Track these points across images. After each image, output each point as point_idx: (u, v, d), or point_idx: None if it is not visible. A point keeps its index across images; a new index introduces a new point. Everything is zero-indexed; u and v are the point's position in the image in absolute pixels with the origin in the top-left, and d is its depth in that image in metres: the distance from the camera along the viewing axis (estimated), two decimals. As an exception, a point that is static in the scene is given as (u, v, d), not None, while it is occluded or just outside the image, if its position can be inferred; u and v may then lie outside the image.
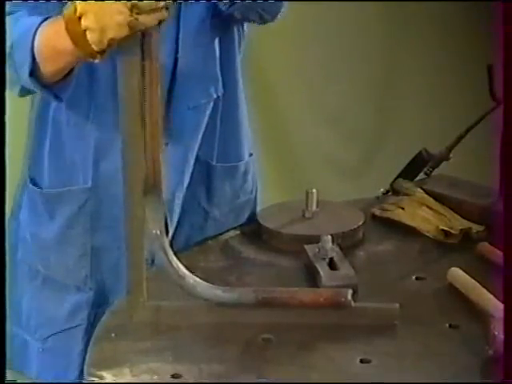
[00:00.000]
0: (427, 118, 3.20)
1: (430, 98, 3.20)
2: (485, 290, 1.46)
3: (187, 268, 1.44)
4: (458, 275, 1.53)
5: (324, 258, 1.59)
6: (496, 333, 1.29)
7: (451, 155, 1.99)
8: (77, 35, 1.37)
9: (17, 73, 1.49)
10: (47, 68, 1.47)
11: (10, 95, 1.72)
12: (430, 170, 1.99)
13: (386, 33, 3.13)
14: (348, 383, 1.29)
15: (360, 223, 1.77)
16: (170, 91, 1.65)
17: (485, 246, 1.65)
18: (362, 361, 1.33)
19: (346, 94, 3.10)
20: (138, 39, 1.35)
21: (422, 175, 2.01)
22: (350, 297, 1.40)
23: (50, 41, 1.44)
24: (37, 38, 1.45)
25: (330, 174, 3.09)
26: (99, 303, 1.70)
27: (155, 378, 1.29)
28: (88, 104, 1.64)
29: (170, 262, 1.42)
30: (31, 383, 1.80)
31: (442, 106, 3.19)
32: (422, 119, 3.20)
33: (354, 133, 3.17)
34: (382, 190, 1.96)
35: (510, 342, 1.13)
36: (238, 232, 1.81)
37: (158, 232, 1.40)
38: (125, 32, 1.33)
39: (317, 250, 1.60)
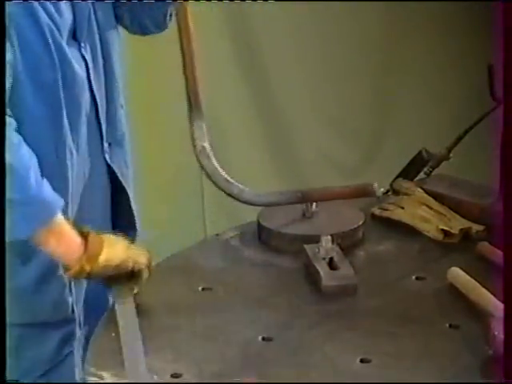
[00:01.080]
0: (427, 118, 3.20)
1: (429, 98, 3.20)
2: (485, 290, 1.46)
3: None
4: (458, 275, 1.53)
5: (324, 258, 1.59)
6: (496, 333, 1.29)
7: (451, 155, 1.99)
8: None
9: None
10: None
11: None
12: (430, 169, 1.99)
13: (386, 33, 3.13)
14: (348, 383, 1.29)
15: (360, 223, 1.77)
16: (107, 94, 1.69)
17: (485, 246, 1.65)
18: (362, 360, 1.33)
19: (346, 94, 3.10)
20: None
21: (421, 175, 2.01)
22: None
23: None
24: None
25: (329, 173, 3.09)
26: (86, 323, 1.65)
27: (155, 378, 1.29)
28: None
29: (218, 170, 1.66)
30: (32, 383, 1.80)
31: (442, 106, 3.19)
32: (421, 119, 3.20)
33: (354, 133, 3.17)
34: (381, 189, 1.96)
35: (510, 341, 1.12)
36: (237, 232, 1.81)
37: (205, 145, 1.65)
38: None
39: (317, 249, 1.60)
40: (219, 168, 1.68)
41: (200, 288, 1.57)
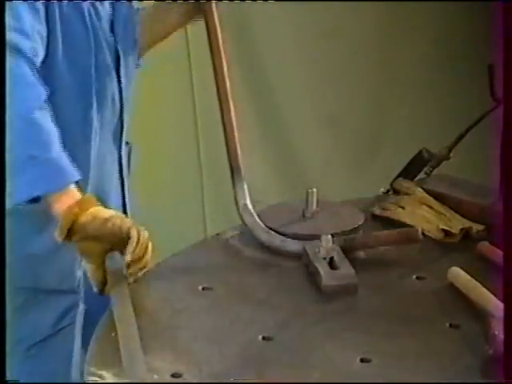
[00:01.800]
0: (427, 117, 3.20)
1: (429, 98, 3.20)
2: (485, 290, 1.46)
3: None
4: (459, 275, 1.53)
5: (324, 258, 1.59)
6: (496, 332, 1.29)
7: (451, 155, 1.99)
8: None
9: None
10: None
11: None
12: (431, 169, 1.99)
13: (386, 33, 3.13)
14: (348, 383, 1.29)
15: (360, 223, 1.77)
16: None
17: (485, 246, 1.65)
18: (362, 360, 1.33)
19: (346, 94, 3.10)
20: None
21: (422, 175, 2.01)
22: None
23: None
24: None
25: (329, 173, 3.09)
26: (88, 299, 1.71)
27: (155, 378, 1.29)
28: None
29: (258, 224, 1.76)
30: (32, 383, 1.80)
31: (442, 106, 3.19)
32: (421, 119, 3.20)
33: (354, 133, 3.17)
34: (382, 189, 1.96)
35: (510, 342, 1.12)
36: (237, 231, 1.81)
37: (247, 203, 1.78)
38: None
39: (317, 249, 1.60)
40: (260, 222, 1.77)
41: (200, 288, 1.57)
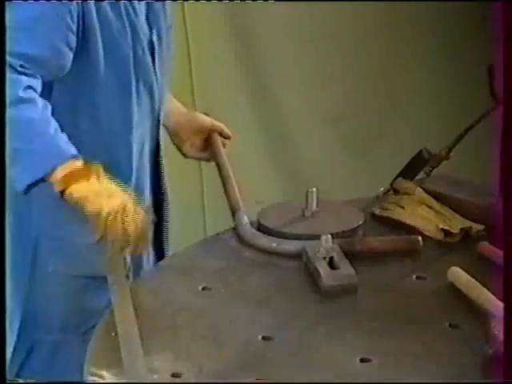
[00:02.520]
0: (427, 117, 3.20)
1: (429, 98, 3.20)
2: (485, 290, 1.46)
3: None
4: (459, 274, 1.53)
5: (324, 257, 1.59)
6: (496, 332, 1.29)
7: (451, 154, 1.99)
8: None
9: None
10: None
11: None
12: (430, 169, 1.99)
13: (386, 33, 3.13)
14: (348, 383, 1.29)
15: (360, 222, 1.77)
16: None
17: (485, 246, 1.65)
18: (362, 360, 1.33)
19: (346, 93, 3.10)
20: None
21: (421, 174, 2.01)
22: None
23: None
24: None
25: (330, 173, 3.09)
26: None
27: (155, 377, 1.29)
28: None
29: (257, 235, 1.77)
30: (32, 383, 1.81)
31: (441, 106, 3.19)
32: (421, 119, 3.20)
33: (354, 132, 3.17)
34: (382, 189, 1.96)
35: (510, 342, 1.12)
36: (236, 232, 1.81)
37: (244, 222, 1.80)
38: None
39: (317, 249, 1.60)
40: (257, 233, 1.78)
41: (200, 288, 1.57)
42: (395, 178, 1.97)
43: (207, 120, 2.05)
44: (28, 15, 1.65)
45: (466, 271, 1.53)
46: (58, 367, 1.86)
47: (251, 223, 1.80)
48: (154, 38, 1.83)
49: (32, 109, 1.63)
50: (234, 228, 1.81)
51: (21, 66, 1.64)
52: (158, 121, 1.89)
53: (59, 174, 1.60)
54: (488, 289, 1.46)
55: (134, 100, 1.79)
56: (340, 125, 3.15)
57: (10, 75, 1.62)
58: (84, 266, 1.81)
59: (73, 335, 1.81)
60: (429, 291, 1.55)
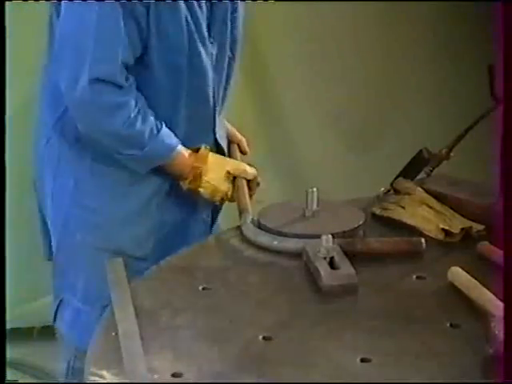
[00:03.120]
0: (427, 117, 3.20)
1: (430, 98, 3.20)
2: (485, 290, 1.46)
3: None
4: (459, 274, 1.53)
5: (324, 257, 1.58)
6: (497, 332, 1.29)
7: (452, 154, 1.99)
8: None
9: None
10: None
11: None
12: (431, 169, 1.99)
13: (385, 32, 3.13)
14: (348, 383, 1.29)
15: (360, 222, 1.77)
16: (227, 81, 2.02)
17: (485, 246, 1.65)
18: (362, 360, 1.33)
19: (346, 93, 3.10)
20: None
21: (422, 174, 2.01)
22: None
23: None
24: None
25: (330, 172, 3.09)
26: None
27: (156, 377, 1.29)
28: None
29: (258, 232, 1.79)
30: (31, 383, 1.82)
31: (442, 106, 3.19)
32: (421, 118, 3.20)
33: (354, 132, 3.17)
34: (382, 189, 1.96)
35: (510, 341, 1.12)
36: (238, 231, 1.81)
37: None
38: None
39: (317, 249, 1.60)
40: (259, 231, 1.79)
41: (200, 287, 1.57)
42: (395, 178, 1.97)
43: (229, 129, 2.12)
44: (86, 27, 1.79)
45: (467, 271, 1.53)
46: (77, 331, 1.94)
47: (252, 222, 1.81)
48: (215, 51, 1.92)
49: (139, 123, 1.85)
50: (235, 228, 1.81)
51: (126, 78, 1.83)
52: (214, 126, 1.99)
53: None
54: (488, 289, 1.45)
55: (183, 102, 1.91)
56: (341, 124, 3.15)
57: (119, 98, 1.83)
58: (110, 240, 1.92)
59: (92, 307, 1.88)
60: (429, 291, 1.55)
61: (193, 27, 1.85)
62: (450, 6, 3.01)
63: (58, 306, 2.02)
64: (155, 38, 1.82)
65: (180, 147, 1.90)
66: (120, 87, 1.82)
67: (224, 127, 2.08)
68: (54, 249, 2.03)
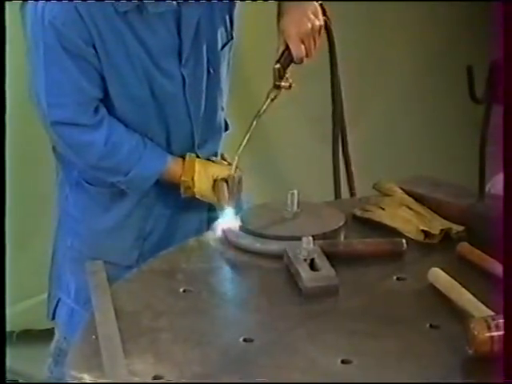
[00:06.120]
0: (410, 120, 3.21)
1: (414, 99, 3.22)
2: (465, 290, 1.47)
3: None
4: (439, 275, 1.54)
5: (305, 259, 1.59)
6: (476, 333, 1.30)
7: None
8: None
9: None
10: None
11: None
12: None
13: (366, 32, 3.14)
14: (328, 383, 1.29)
15: (341, 224, 1.78)
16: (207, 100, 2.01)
17: (465, 246, 1.66)
18: (343, 361, 1.33)
19: (326, 92, 3.10)
20: None
21: (406, 175, 1.99)
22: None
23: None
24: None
25: (314, 173, 3.09)
26: None
27: (136, 380, 1.29)
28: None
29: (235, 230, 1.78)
30: (31, 383, 1.83)
31: (426, 105, 3.20)
32: (401, 119, 3.22)
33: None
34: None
35: (510, 341, 1.12)
36: (219, 233, 1.80)
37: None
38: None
39: (298, 250, 1.60)
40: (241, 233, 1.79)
41: (181, 290, 1.56)
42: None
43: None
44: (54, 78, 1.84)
45: (446, 272, 1.54)
46: (72, 331, 1.93)
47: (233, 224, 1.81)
48: (185, 72, 1.91)
49: (121, 152, 1.90)
50: (216, 230, 1.81)
51: (95, 112, 1.86)
52: (193, 145, 2.00)
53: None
54: (468, 289, 1.46)
55: (154, 128, 1.94)
56: (321, 125, 3.15)
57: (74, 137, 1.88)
58: (95, 249, 1.96)
59: (83, 308, 1.89)
60: (409, 292, 1.55)
61: (146, 58, 1.86)
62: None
63: (56, 305, 2.07)
64: (110, 74, 1.85)
65: (165, 165, 1.94)
66: (84, 126, 1.85)
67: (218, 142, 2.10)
68: (52, 250, 2.09)
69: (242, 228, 1.78)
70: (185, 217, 2.05)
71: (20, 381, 1.84)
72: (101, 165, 1.91)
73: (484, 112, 1.72)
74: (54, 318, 2.10)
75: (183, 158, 1.97)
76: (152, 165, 1.93)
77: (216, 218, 1.88)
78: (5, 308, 1.42)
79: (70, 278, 2.03)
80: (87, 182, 2.00)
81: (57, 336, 2.10)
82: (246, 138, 1.94)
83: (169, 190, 1.98)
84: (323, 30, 2.03)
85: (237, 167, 1.96)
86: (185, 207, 2.03)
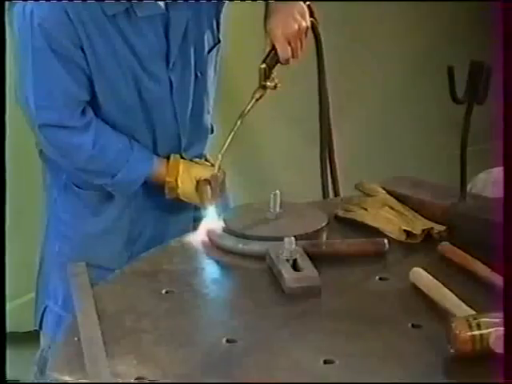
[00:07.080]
0: (394, 118, 3.22)
1: (398, 99, 3.23)
2: (446, 290, 1.48)
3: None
4: (421, 275, 1.55)
5: (287, 260, 1.59)
6: (457, 332, 1.31)
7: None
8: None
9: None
10: None
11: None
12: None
13: (351, 30, 3.15)
14: (310, 383, 1.29)
15: (323, 224, 1.78)
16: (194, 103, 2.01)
17: (446, 246, 1.66)
18: (325, 361, 1.33)
19: (311, 93, 3.10)
20: None
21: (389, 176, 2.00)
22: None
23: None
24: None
25: (297, 174, 3.09)
26: None
27: (119, 381, 1.28)
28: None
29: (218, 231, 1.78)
30: (31, 383, 1.84)
31: (409, 106, 3.21)
32: (387, 120, 3.22)
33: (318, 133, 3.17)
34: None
35: (510, 341, 1.12)
36: (202, 234, 1.80)
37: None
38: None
39: (280, 251, 1.60)
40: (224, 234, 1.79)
41: (164, 291, 1.56)
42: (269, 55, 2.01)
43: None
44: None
45: (428, 272, 1.54)
46: (59, 339, 1.92)
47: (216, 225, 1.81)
48: (173, 76, 1.91)
49: (108, 154, 1.90)
50: (198, 230, 1.81)
51: (83, 115, 1.86)
52: (180, 147, 2.00)
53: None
54: (449, 289, 1.47)
55: (142, 131, 1.94)
56: (304, 125, 3.15)
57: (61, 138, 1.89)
58: (85, 253, 1.93)
59: (66, 314, 1.88)
60: (391, 292, 1.56)
61: (135, 63, 1.87)
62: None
63: (43, 312, 2.06)
64: (98, 77, 1.85)
65: (152, 167, 1.95)
66: (73, 128, 1.85)
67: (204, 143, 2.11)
68: (39, 256, 2.07)
69: (224, 229, 1.78)
70: (174, 218, 2.05)
71: (20, 381, 1.84)
72: (88, 167, 1.91)
73: (465, 112, 1.73)
74: (41, 327, 2.08)
75: (168, 158, 1.97)
76: (139, 167, 1.93)
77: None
78: (5, 308, 1.43)
79: (58, 285, 2.01)
80: (76, 186, 1.99)
81: (42, 345, 2.08)
82: (230, 137, 1.93)
83: (157, 192, 1.99)
84: (310, 32, 2.02)
85: (220, 167, 1.95)
86: (174, 209, 2.03)
